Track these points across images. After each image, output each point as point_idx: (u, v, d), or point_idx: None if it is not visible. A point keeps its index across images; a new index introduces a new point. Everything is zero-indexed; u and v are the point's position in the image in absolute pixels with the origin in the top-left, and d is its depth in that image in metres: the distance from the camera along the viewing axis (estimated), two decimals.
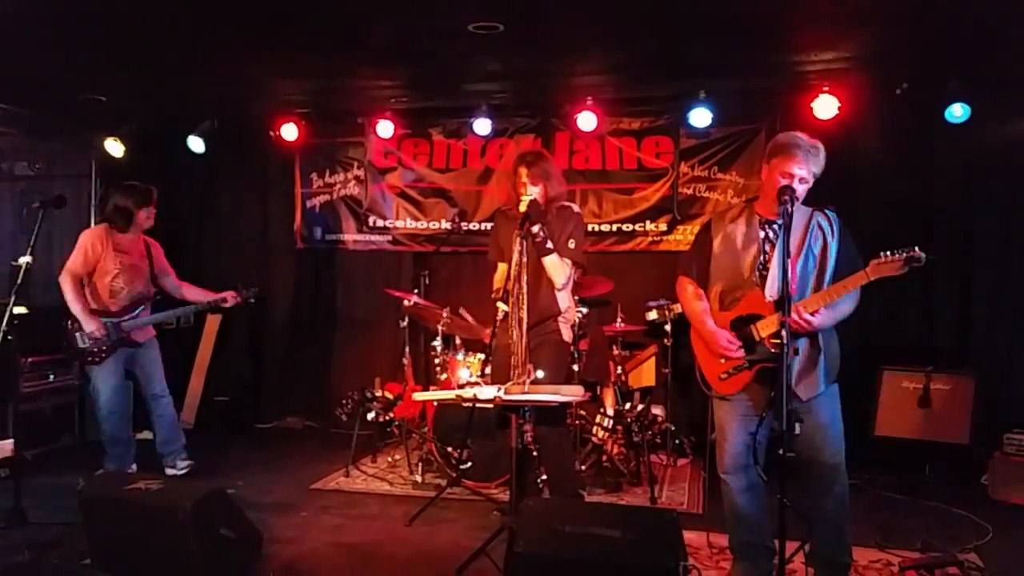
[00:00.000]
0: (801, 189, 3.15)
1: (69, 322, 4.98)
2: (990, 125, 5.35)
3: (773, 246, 3.20)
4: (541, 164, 4.19)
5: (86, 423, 6.11)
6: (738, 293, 3.26)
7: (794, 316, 2.99)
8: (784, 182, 3.12)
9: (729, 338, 3.24)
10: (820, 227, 3.20)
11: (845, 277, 3.08)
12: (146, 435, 6.24)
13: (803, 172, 3.13)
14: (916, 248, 2.91)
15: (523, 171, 4.16)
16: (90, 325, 4.91)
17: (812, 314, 3.07)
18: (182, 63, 5.24)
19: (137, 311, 5.11)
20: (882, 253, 2.98)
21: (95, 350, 4.97)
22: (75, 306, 4.91)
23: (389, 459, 5.64)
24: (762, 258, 3.22)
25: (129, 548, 3.43)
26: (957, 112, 5.32)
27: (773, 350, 3.08)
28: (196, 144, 6.55)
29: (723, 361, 3.28)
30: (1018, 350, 5.53)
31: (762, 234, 3.24)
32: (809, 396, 3.18)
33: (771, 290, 3.16)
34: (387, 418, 5.54)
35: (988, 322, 5.61)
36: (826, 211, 3.24)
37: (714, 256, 3.33)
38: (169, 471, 5.18)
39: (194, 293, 5.35)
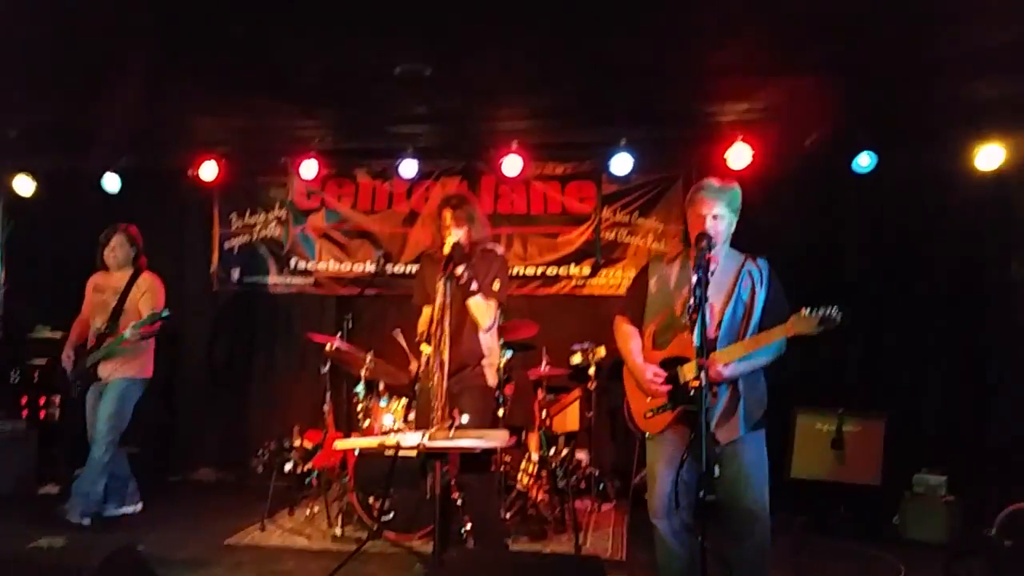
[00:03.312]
0: (716, 226, 3.23)
1: None
2: (896, 174, 5.61)
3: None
4: (465, 207, 4.20)
5: None
6: (670, 334, 3.31)
7: (710, 367, 3.05)
8: (699, 227, 3.22)
9: (655, 371, 3.28)
10: (750, 275, 3.27)
11: (769, 326, 3.14)
12: (49, 490, 5.95)
13: (713, 211, 3.23)
14: (833, 309, 2.97)
15: (447, 214, 4.16)
16: (64, 357, 5.24)
17: (724, 366, 3.12)
18: (97, 99, 5.09)
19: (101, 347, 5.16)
20: (803, 309, 3.04)
21: (71, 380, 5.23)
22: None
23: (307, 512, 5.43)
24: (692, 301, 3.27)
25: None
26: (864, 162, 5.57)
27: (692, 393, 3.12)
28: (111, 182, 6.35)
29: (649, 399, 3.31)
30: (925, 392, 5.76)
31: (695, 278, 3.30)
32: (728, 440, 3.21)
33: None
34: (306, 469, 5.37)
35: (896, 364, 5.82)
36: (758, 260, 3.32)
37: (650, 296, 3.40)
38: (68, 513, 4.95)
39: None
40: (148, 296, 5.19)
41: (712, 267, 3.23)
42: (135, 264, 5.32)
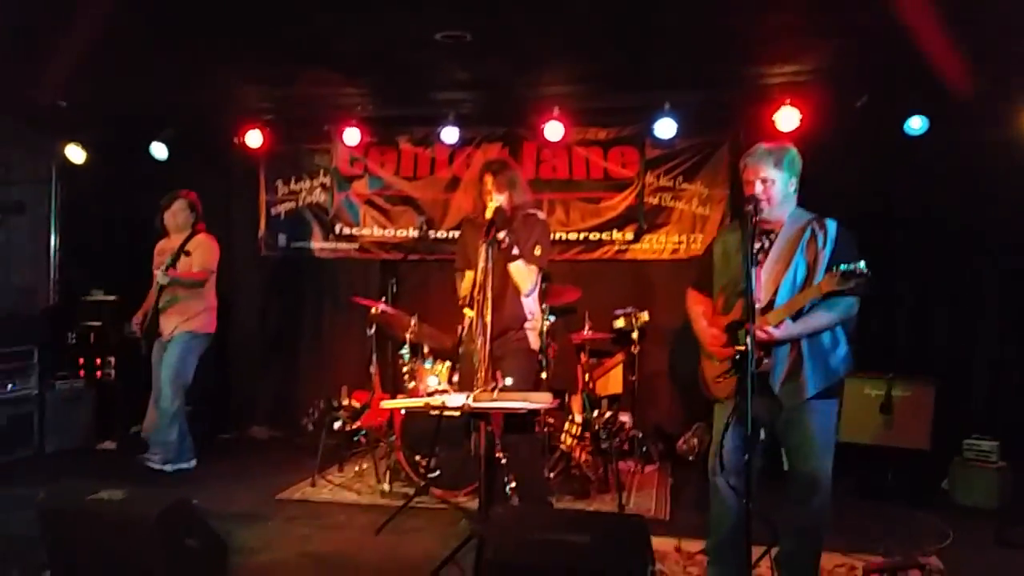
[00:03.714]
0: (767, 190, 3.19)
1: None
2: (947, 137, 5.47)
3: (766, 254, 3.24)
4: (506, 172, 4.22)
5: (45, 434, 6.00)
6: (734, 299, 3.30)
7: (758, 329, 3.04)
8: (748, 193, 3.21)
9: (715, 334, 3.31)
10: (814, 236, 3.21)
11: None
12: (107, 446, 6.17)
13: (760, 175, 3.20)
14: (858, 264, 2.93)
15: (488, 179, 4.19)
16: (133, 320, 5.55)
17: (776, 326, 3.10)
18: (145, 69, 5.18)
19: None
20: (835, 267, 3.00)
21: (137, 337, 5.52)
22: None
23: (356, 468, 5.58)
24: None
25: (91, 560, 3.36)
26: (916, 125, 5.46)
27: (737, 357, 3.12)
28: (159, 150, 6.47)
29: (717, 363, 3.32)
30: (976, 357, 5.66)
31: (757, 244, 3.26)
32: (792, 403, 3.18)
33: (757, 297, 3.19)
34: (354, 427, 5.49)
35: (947, 329, 5.74)
36: (825, 221, 3.24)
37: (716, 263, 3.41)
38: (149, 461, 5.31)
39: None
40: (198, 252, 5.37)
41: (774, 230, 3.24)
42: (193, 228, 5.52)
